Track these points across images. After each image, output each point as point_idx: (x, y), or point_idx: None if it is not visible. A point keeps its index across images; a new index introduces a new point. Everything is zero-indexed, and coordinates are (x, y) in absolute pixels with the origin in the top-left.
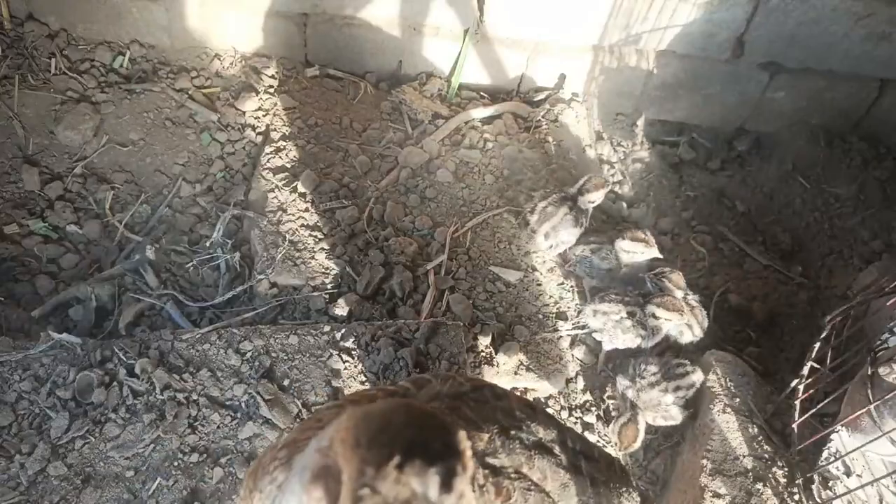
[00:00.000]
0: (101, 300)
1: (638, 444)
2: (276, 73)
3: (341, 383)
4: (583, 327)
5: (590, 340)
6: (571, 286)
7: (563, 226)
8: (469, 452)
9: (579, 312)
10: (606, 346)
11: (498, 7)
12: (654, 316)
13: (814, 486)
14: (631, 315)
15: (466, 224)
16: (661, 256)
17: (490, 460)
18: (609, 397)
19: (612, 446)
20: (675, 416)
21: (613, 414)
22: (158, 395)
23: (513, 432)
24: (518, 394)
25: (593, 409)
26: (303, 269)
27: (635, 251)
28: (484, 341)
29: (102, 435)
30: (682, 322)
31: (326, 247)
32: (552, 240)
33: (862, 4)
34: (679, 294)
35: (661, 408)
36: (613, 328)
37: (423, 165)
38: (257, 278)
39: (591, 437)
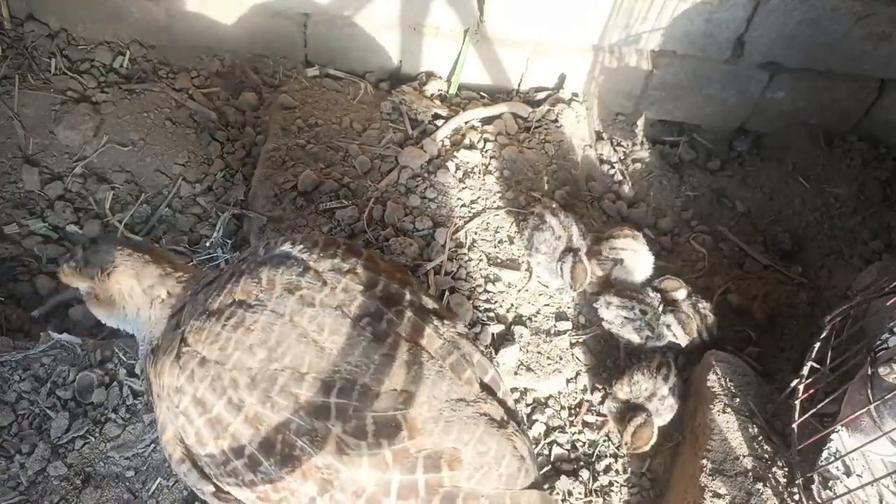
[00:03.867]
0: None
1: (649, 447)
2: (276, 73)
3: None
4: (584, 327)
5: (590, 341)
6: None
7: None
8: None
9: (584, 305)
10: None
11: (498, 7)
12: (667, 326)
13: (814, 486)
14: (643, 314)
15: (466, 224)
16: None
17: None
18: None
19: (623, 447)
20: (673, 406)
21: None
22: None
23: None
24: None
25: (593, 409)
26: None
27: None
28: (484, 341)
29: (102, 435)
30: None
31: None
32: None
33: (862, 4)
34: (682, 294)
35: (663, 406)
36: (623, 324)
37: (423, 165)
38: None
39: (591, 436)
